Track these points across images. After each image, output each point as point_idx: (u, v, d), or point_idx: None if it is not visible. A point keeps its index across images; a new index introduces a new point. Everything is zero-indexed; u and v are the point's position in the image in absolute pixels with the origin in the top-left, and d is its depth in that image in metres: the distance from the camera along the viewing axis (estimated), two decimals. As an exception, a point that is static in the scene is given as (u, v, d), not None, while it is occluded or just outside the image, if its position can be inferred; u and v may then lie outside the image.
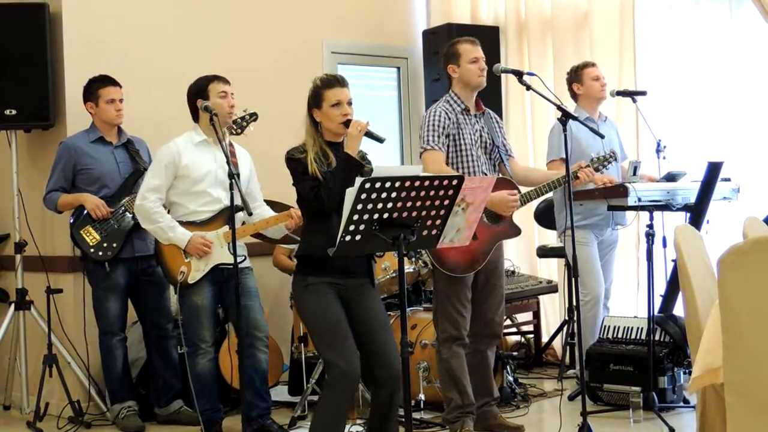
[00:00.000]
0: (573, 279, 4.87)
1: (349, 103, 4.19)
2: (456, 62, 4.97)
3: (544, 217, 6.55)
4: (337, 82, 4.20)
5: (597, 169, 5.24)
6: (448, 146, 4.89)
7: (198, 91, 5.04)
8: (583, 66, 5.99)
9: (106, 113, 5.54)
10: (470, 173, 4.88)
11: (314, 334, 4.17)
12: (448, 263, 4.80)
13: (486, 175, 4.93)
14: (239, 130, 5.11)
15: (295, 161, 4.14)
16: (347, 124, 4.14)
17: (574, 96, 5.95)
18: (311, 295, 4.11)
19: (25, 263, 5.86)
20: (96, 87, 5.54)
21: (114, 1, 6.10)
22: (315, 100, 4.19)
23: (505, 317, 5.61)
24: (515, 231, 5.03)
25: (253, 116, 5.15)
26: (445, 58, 5.03)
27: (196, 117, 5.11)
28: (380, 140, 4.17)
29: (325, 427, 4.11)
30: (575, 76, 5.95)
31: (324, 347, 4.11)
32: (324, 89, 4.17)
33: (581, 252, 5.59)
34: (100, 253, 5.42)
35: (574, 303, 4.98)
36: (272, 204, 5.28)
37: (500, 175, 5.04)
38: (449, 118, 4.90)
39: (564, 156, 5.59)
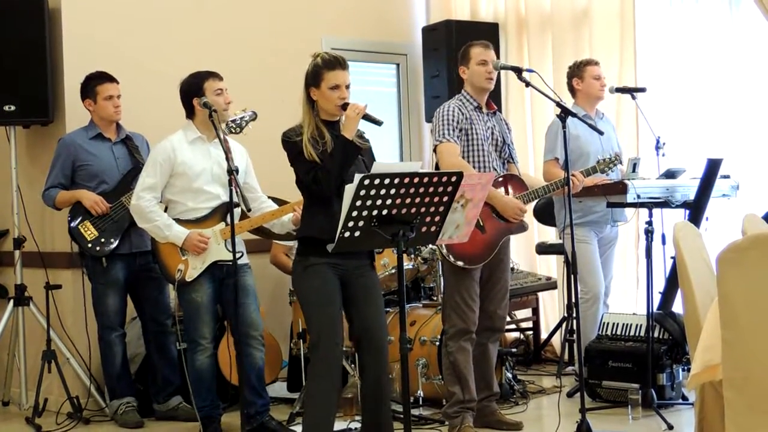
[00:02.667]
0: (572, 276, 4.88)
1: (347, 87, 4.18)
2: (466, 64, 5.02)
3: (543, 214, 6.55)
4: (338, 63, 4.17)
5: (603, 171, 5.26)
6: (460, 140, 4.91)
7: (194, 89, 5.03)
8: (586, 63, 5.96)
9: (104, 110, 5.54)
10: (481, 168, 4.91)
11: (307, 314, 4.20)
12: (457, 254, 4.81)
13: (497, 171, 4.96)
14: (238, 129, 5.11)
15: (290, 144, 4.14)
16: (344, 107, 4.13)
17: (572, 91, 5.94)
18: (311, 275, 4.12)
19: (24, 259, 5.85)
20: (94, 84, 5.54)
21: (113, -3, 6.10)
22: (314, 78, 4.17)
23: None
24: (523, 226, 5.05)
25: (253, 116, 5.16)
26: (459, 59, 5.10)
27: (190, 114, 5.11)
28: (378, 123, 4.16)
29: (316, 408, 4.13)
30: (577, 71, 5.92)
31: (313, 328, 4.15)
32: (325, 70, 4.14)
33: (581, 250, 5.59)
34: (98, 249, 5.42)
35: (573, 300, 4.98)
36: (274, 201, 5.28)
37: (508, 173, 5.07)
38: (462, 114, 4.93)
39: (558, 156, 5.65)
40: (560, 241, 6.16)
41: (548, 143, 5.80)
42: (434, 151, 4.98)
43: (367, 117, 4.13)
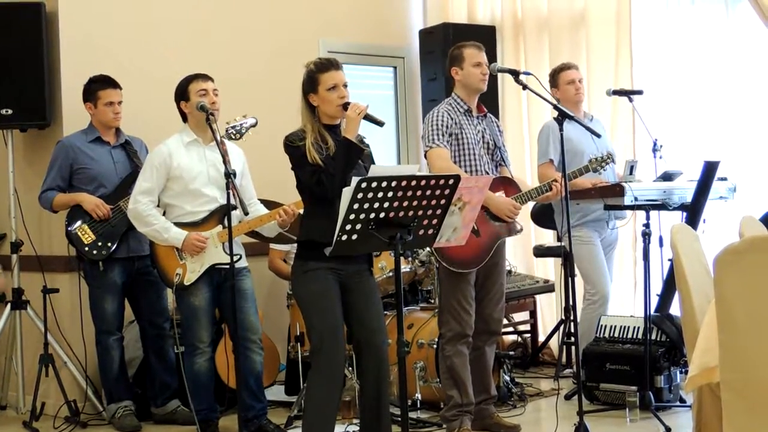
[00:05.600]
0: (570, 278, 4.90)
1: (345, 86, 4.17)
2: (459, 65, 5.00)
3: (541, 217, 6.55)
4: (331, 65, 4.17)
5: (595, 170, 5.27)
6: (451, 145, 4.91)
7: (180, 92, 5.05)
8: (559, 69, 5.93)
9: (103, 115, 5.53)
10: (473, 172, 4.90)
11: (308, 318, 4.19)
12: (451, 259, 4.81)
13: (488, 174, 4.95)
14: (238, 136, 5.11)
15: (293, 147, 4.13)
16: (345, 106, 4.13)
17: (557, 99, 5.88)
18: (310, 280, 4.12)
19: (22, 263, 5.85)
20: (96, 88, 5.53)
21: (110, 0, 6.09)
22: (310, 84, 4.17)
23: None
24: (517, 229, 5.05)
25: (253, 122, 5.16)
26: (449, 61, 5.07)
27: (184, 117, 5.12)
28: (380, 124, 4.14)
29: (317, 414, 4.12)
30: (553, 80, 5.90)
31: (315, 332, 4.14)
32: (319, 73, 4.15)
33: (586, 251, 5.61)
34: (95, 252, 5.41)
35: (571, 302, 4.98)
36: (268, 203, 5.28)
37: (501, 176, 5.07)
38: (452, 118, 4.93)
39: (552, 158, 5.66)
40: (558, 244, 6.16)
41: (540, 147, 5.80)
42: (425, 156, 4.98)
43: (368, 117, 4.12)
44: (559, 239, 6.20)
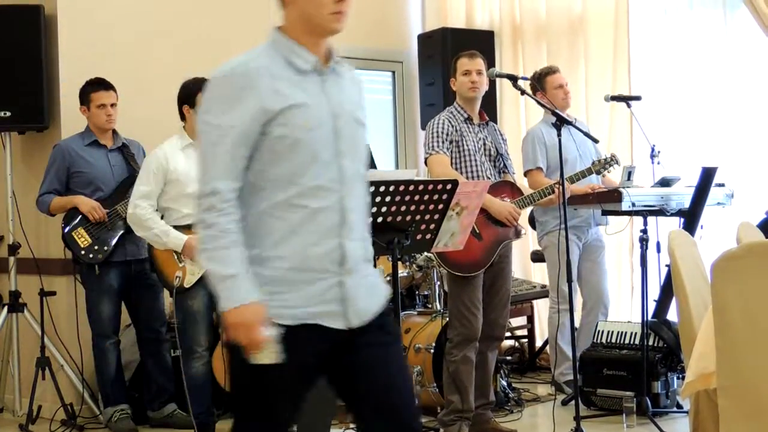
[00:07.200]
0: (568, 283, 4.90)
1: None
2: (454, 75, 5.05)
3: (538, 222, 6.55)
4: None
5: (599, 172, 5.27)
6: (451, 152, 4.92)
7: (187, 96, 5.04)
8: (546, 73, 5.93)
9: (97, 118, 5.53)
10: (474, 178, 4.91)
11: None
12: (454, 263, 4.82)
13: (491, 180, 4.96)
14: None
15: None
16: None
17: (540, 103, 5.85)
18: None
19: (19, 265, 5.84)
20: (89, 91, 5.53)
21: (109, 2, 6.09)
22: None
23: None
24: (518, 232, 5.06)
25: None
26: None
27: (182, 117, 5.12)
28: None
29: (312, 417, 4.10)
30: (539, 84, 5.87)
31: None
32: None
33: (562, 261, 5.60)
34: (91, 256, 5.40)
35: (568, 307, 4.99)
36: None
37: (503, 180, 5.07)
38: (452, 125, 4.95)
39: (541, 165, 5.68)
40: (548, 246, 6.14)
41: (526, 154, 5.83)
42: (425, 164, 5.00)
43: None
44: (540, 243, 6.20)
